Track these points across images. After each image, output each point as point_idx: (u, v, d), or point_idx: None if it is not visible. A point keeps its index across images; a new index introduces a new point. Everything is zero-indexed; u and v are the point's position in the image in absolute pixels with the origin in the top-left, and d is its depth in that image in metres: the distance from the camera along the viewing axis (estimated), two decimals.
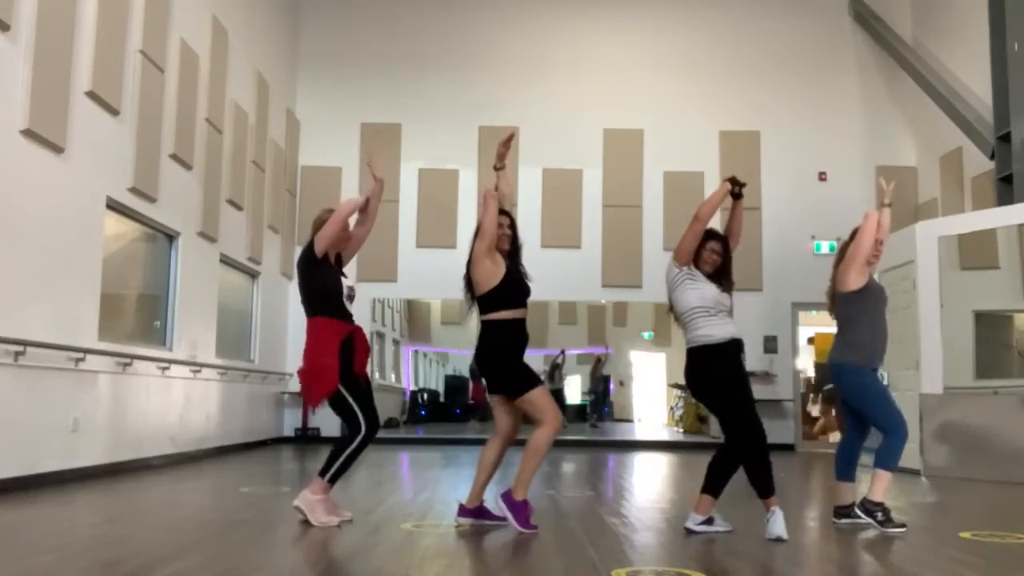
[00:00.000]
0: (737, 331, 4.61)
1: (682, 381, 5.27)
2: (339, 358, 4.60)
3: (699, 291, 4.58)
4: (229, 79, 9.90)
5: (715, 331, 4.52)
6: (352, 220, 4.94)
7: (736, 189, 4.74)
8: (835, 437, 13.48)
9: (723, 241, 4.72)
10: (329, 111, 12.89)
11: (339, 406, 4.69)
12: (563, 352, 17.13)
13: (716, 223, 4.85)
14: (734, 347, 4.55)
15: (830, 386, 14.37)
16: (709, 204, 4.64)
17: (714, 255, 4.65)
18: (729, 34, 13.09)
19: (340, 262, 4.89)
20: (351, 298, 4.83)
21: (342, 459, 4.63)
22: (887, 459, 4.71)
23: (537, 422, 4.52)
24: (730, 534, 4.48)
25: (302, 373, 4.69)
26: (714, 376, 4.52)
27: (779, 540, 4.28)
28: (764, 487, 4.43)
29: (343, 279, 4.81)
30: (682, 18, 13.20)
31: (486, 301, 4.60)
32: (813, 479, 8.43)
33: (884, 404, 4.79)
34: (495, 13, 13.24)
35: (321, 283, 4.73)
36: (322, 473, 4.65)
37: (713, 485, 4.58)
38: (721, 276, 4.67)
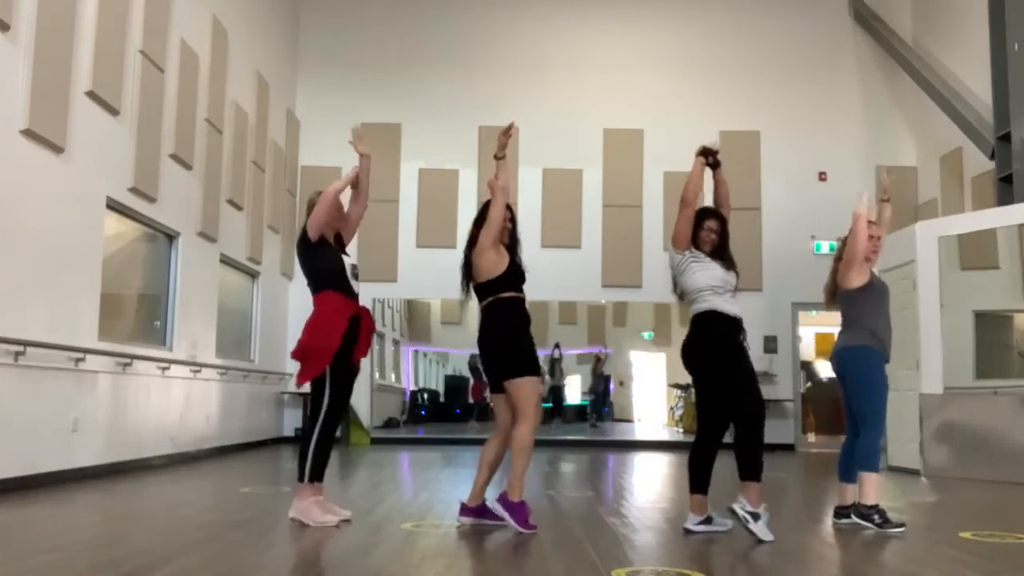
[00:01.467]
0: (741, 312, 4.63)
1: (682, 381, 5.26)
2: (342, 339, 4.59)
3: (706, 271, 4.62)
4: (229, 79, 9.90)
5: (724, 306, 4.57)
6: (346, 200, 4.93)
7: (710, 159, 4.76)
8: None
9: (718, 218, 4.74)
10: (329, 111, 12.88)
11: (316, 384, 4.65)
12: (558, 346, 17.24)
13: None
14: (738, 325, 4.59)
15: (808, 384, 14.47)
16: (690, 185, 4.65)
17: (711, 234, 4.69)
18: (729, 34, 13.09)
19: (341, 241, 4.93)
20: (356, 276, 4.84)
21: (311, 456, 4.62)
22: (868, 461, 4.72)
23: (517, 415, 4.53)
24: (730, 534, 4.48)
25: (301, 346, 4.61)
26: (716, 342, 4.53)
27: (760, 542, 4.28)
28: (753, 466, 4.40)
29: (346, 257, 4.85)
30: (682, 18, 13.20)
31: (486, 288, 4.64)
32: (813, 479, 8.43)
33: (879, 396, 4.78)
34: (495, 13, 13.24)
35: (324, 263, 4.76)
36: (300, 478, 4.65)
37: (700, 483, 4.56)
38: (722, 254, 4.69)
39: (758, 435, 4.44)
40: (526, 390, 4.51)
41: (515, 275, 4.67)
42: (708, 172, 4.81)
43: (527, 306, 4.74)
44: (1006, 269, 8.81)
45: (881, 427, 4.79)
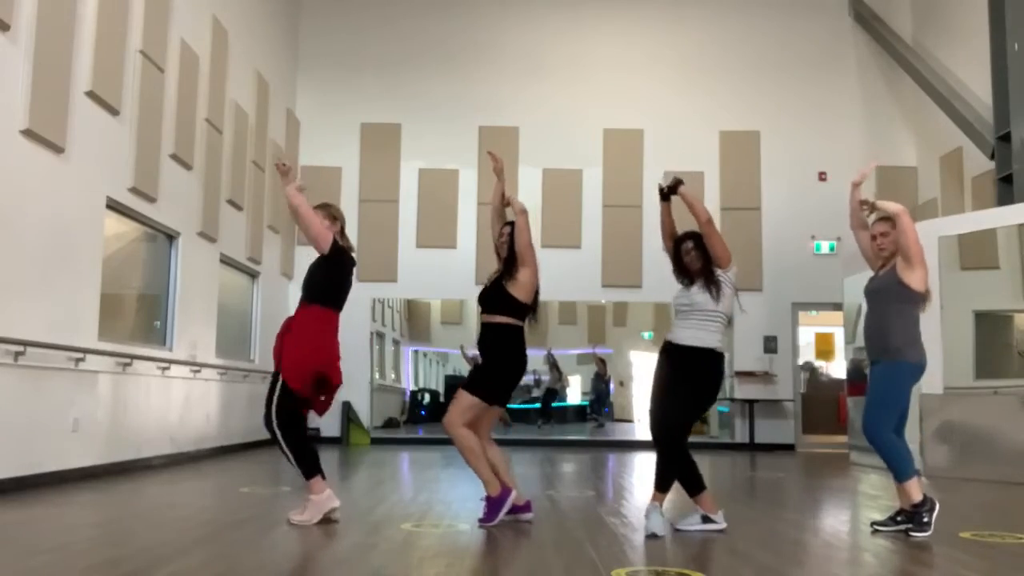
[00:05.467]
0: (689, 338, 4.62)
1: None
2: None
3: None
4: (229, 79, 9.90)
5: (673, 332, 4.73)
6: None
7: (664, 190, 4.87)
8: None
9: (691, 238, 4.76)
10: (329, 111, 12.89)
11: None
12: (551, 352, 17.47)
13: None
14: (667, 348, 4.71)
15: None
16: (661, 230, 4.97)
17: (688, 255, 4.74)
18: (729, 34, 13.09)
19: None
20: None
21: (294, 460, 4.69)
22: (899, 469, 4.63)
23: (445, 420, 4.80)
24: (729, 534, 4.48)
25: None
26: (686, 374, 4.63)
27: (654, 536, 4.38)
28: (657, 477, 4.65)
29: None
30: (682, 18, 13.20)
31: (519, 309, 4.85)
32: (813, 479, 8.43)
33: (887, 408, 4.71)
34: (496, 14, 13.24)
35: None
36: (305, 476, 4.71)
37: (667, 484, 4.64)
38: (696, 270, 4.70)
39: (658, 452, 4.64)
40: (469, 404, 4.75)
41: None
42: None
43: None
44: (1006, 269, 8.81)
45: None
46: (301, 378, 4.58)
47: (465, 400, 4.75)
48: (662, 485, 4.55)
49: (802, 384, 13.35)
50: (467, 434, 4.70)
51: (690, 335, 4.61)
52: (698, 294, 4.62)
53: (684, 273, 4.75)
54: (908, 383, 4.72)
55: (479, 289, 5.07)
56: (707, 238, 4.66)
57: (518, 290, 4.83)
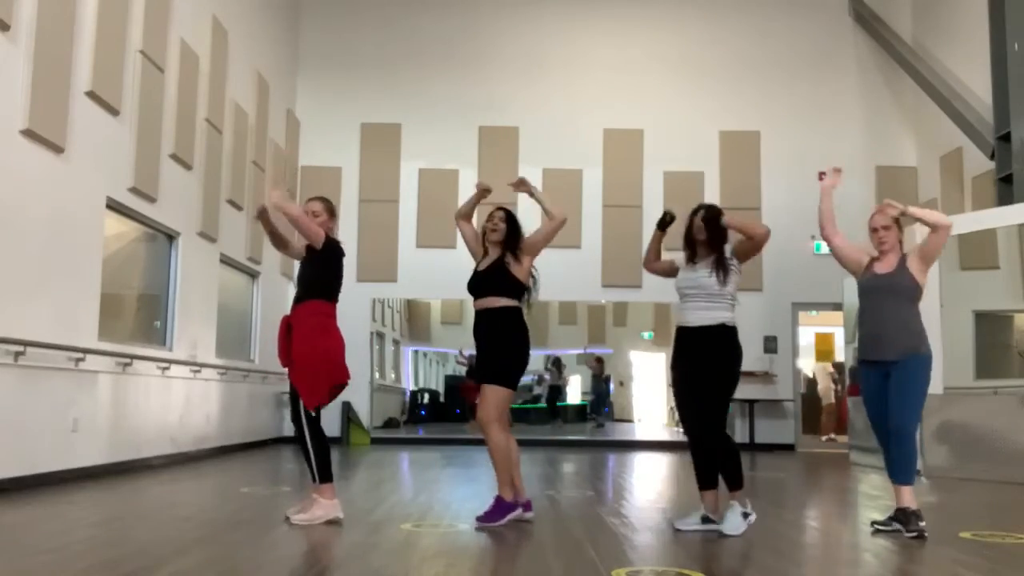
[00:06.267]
0: (702, 318, 4.65)
1: None
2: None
3: (678, 278, 4.84)
4: (229, 79, 9.90)
5: (682, 316, 4.74)
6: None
7: (667, 218, 4.96)
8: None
9: (705, 210, 4.78)
10: (329, 111, 12.89)
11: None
12: (556, 357, 17.59)
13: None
14: (685, 334, 4.69)
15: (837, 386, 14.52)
16: (647, 253, 5.10)
17: (696, 226, 4.76)
18: (729, 34, 13.09)
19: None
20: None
21: (315, 459, 4.71)
22: (909, 471, 4.63)
23: (481, 417, 4.75)
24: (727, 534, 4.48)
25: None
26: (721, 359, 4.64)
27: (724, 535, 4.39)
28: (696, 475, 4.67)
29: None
30: (682, 18, 13.20)
31: (520, 291, 4.85)
32: (813, 479, 8.43)
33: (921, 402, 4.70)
34: (495, 13, 13.24)
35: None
36: (313, 479, 4.74)
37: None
38: (707, 248, 4.71)
39: (694, 450, 4.65)
40: (500, 398, 4.74)
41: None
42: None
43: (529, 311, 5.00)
44: (1006, 269, 8.81)
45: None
46: (317, 398, 4.70)
47: (496, 394, 4.70)
48: (732, 483, 4.53)
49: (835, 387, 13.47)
50: (502, 434, 4.70)
51: (702, 315, 4.63)
52: (704, 277, 4.64)
53: (691, 245, 4.76)
54: (929, 377, 4.76)
55: None
56: (757, 240, 4.70)
57: (519, 272, 4.84)
